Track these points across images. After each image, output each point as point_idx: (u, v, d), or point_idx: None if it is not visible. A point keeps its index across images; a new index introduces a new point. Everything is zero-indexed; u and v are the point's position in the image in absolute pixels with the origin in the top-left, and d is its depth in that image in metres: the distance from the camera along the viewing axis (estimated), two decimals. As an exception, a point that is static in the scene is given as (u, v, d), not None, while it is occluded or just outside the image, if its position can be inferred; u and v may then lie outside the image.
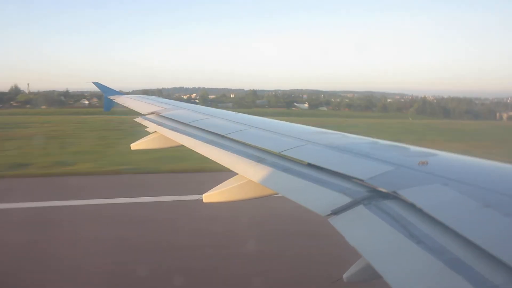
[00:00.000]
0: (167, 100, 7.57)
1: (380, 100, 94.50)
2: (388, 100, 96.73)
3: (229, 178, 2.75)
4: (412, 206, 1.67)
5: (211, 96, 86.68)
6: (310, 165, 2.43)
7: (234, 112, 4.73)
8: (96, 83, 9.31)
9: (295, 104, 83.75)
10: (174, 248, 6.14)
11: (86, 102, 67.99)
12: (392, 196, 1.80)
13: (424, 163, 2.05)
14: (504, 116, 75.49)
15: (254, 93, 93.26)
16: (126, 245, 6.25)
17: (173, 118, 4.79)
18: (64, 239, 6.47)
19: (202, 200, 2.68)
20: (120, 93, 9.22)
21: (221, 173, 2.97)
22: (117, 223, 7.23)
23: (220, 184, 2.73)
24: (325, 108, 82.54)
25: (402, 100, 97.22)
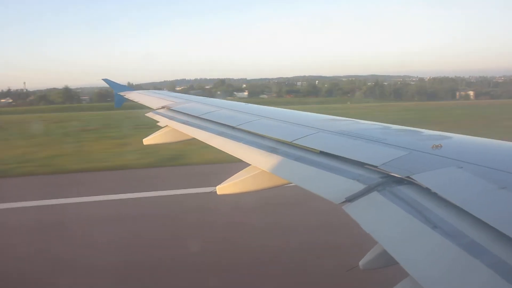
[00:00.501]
0: (177, 94, 7.62)
1: (329, 85, 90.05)
2: (368, 84, 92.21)
3: (241, 170, 2.75)
4: (427, 191, 1.66)
5: (178, 88, 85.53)
6: (322, 153, 2.42)
7: (244, 103, 4.74)
8: (106, 80, 9.39)
9: (234, 93, 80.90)
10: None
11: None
12: (407, 181, 1.79)
13: (438, 146, 2.02)
14: (463, 94, 72.19)
15: (222, 82, 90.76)
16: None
17: (184, 112, 4.81)
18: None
19: (215, 192, 2.70)
20: (131, 88, 9.29)
21: (234, 164, 2.98)
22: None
23: (233, 176, 2.74)
24: (265, 96, 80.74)
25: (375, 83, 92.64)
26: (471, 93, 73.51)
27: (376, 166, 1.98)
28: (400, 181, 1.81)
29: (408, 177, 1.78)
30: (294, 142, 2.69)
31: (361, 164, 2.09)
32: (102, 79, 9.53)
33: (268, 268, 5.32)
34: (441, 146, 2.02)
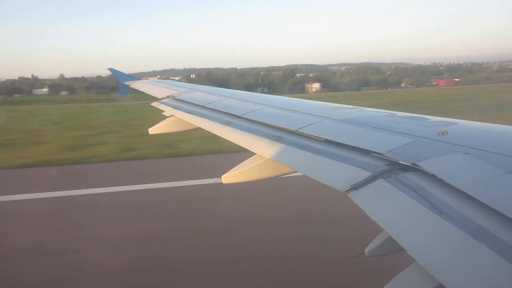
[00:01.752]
0: (182, 83, 7.61)
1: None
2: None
3: (247, 159, 2.75)
4: (433, 177, 1.65)
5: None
6: (327, 141, 2.41)
7: (249, 92, 4.73)
8: (111, 69, 9.39)
9: (32, 89, 68.07)
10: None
11: None
12: (412, 168, 1.78)
13: (444, 133, 2.01)
14: (310, 87, 62.82)
15: (105, 79, 79.51)
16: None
17: (188, 101, 4.81)
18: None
19: (221, 181, 2.71)
20: (136, 78, 9.28)
21: (239, 154, 2.98)
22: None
23: (239, 165, 2.75)
24: (66, 92, 66.00)
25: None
26: (317, 85, 63.94)
27: (381, 154, 1.97)
28: (406, 168, 1.80)
29: (414, 164, 1.77)
30: (299, 130, 2.69)
31: (366, 152, 2.08)
32: (108, 69, 9.54)
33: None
34: (447, 133, 2.01)
